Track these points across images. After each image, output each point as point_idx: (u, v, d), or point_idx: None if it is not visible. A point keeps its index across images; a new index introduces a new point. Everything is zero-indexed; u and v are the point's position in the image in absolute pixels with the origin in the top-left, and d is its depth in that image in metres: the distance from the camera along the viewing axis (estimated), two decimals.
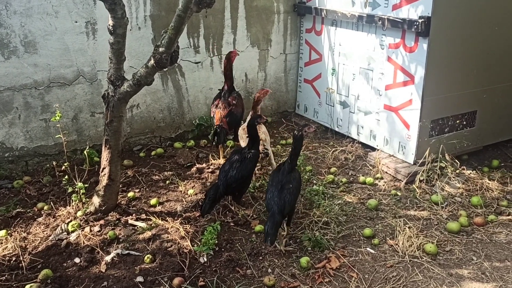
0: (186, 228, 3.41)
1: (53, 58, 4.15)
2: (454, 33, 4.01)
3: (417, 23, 3.86)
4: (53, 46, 4.13)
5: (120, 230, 3.38)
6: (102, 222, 3.43)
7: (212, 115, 4.30)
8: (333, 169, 4.36)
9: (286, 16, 5.30)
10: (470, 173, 4.26)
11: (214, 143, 4.23)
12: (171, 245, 3.23)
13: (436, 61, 3.98)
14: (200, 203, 3.55)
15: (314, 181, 4.13)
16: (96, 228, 3.36)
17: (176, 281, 2.90)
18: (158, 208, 3.73)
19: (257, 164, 3.98)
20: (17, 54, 4.00)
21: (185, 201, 3.82)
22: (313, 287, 2.94)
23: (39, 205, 3.71)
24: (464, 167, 4.29)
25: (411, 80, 4.10)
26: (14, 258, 3.09)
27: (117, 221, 3.46)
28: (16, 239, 3.26)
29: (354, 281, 2.98)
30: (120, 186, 3.85)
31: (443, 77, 4.10)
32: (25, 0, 3.92)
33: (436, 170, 4.15)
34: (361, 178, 4.21)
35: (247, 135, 3.71)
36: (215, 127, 4.18)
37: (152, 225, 3.44)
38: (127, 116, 4.62)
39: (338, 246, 3.31)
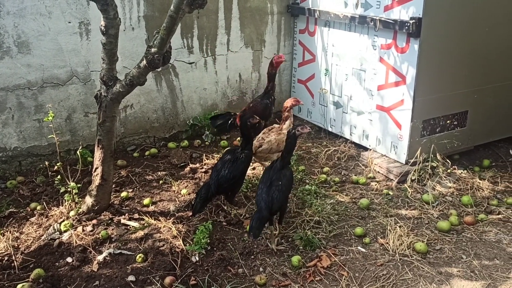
0: (179, 228, 3.43)
1: (47, 58, 4.16)
2: (445, 34, 4.04)
3: (408, 24, 3.89)
4: (47, 47, 4.14)
5: (112, 229, 3.39)
6: (94, 221, 3.44)
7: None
8: (326, 169, 4.39)
9: (280, 17, 5.33)
10: (461, 172, 4.30)
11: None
12: (163, 245, 3.25)
13: (427, 62, 4.02)
14: (193, 203, 3.57)
15: (307, 181, 4.15)
16: (89, 228, 3.37)
17: (168, 280, 2.91)
18: (151, 208, 3.74)
19: (251, 164, 4.01)
20: (11, 55, 4.01)
21: (178, 200, 3.84)
22: (304, 286, 2.96)
23: (32, 205, 3.72)
24: (455, 166, 4.33)
25: (402, 80, 4.13)
26: (6, 258, 3.09)
27: (109, 221, 3.48)
28: (9, 239, 3.27)
29: (344, 279, 3.01)
30: (114, 186, 3.87)
31: (434, 78, 4.14)
32: (18, 0, 3.93)
33: (428, 169, 4.18)
34: (354, 178, 4.24)
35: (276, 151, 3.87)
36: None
37: (145, 225, 3.46)
38: (121, 116, 4.64)
39: (329, 245, 3.33)
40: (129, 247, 3.24)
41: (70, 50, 4.25)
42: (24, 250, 3.20)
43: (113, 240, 3.31)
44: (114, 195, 3.83)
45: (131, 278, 2.95)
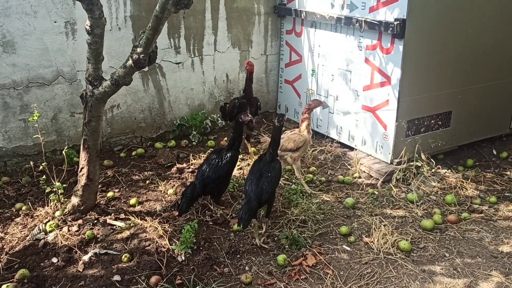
0: (165, 227, 3.43)
1: (32, 58, 4.14)
2: (429, 35, 4.10)
3: (393, 25, 3.94)
4: (32, 46, 4.11)
5: (98, 229, 3.39)
6: (80, 222, 3.43)
7: None
8: (312, 169, 4.42)
9: (267, 18, 5.36)
10: (445, 172, 4.36)
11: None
12: (149, 244, 3.25)
13: (411, 63, 4.07)
14: (179, 202, 3.57)
15: (293, 180, 4.18)
16: (74, 228, 3.36)
17: (153, 279, 2.92)
18: (138, 208, 3.74)
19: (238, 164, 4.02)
20: None
21: (165, 200, 3.84)
22: (289, 284, 2.99)
23: (17, 205, 3.70)
24: (440, 166, 4.40)
25: (387, 81, 4.18)
26: None
27: (95, 221, 3.47)
28: None
29: (329, 278, 3.04)
30: (100, 186, 3.86)
31: (419, 78, 4.19)
32: (3, 0, 3.90)
33: (413, 169, 4.23)
34: (340, 177, 4.28)
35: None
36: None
37: (131, 225, 3.46)
38: (107, 116, 4.62)
39: (315, 244, 3.36)
40: (115, 247, 3.24)
41: (56, 49, 4.22)
42: (9, 250, 3.18)
43: (98, 240, 3.30)
44: (100, 195, 3.82)
45: (116, 278, 2.94)
